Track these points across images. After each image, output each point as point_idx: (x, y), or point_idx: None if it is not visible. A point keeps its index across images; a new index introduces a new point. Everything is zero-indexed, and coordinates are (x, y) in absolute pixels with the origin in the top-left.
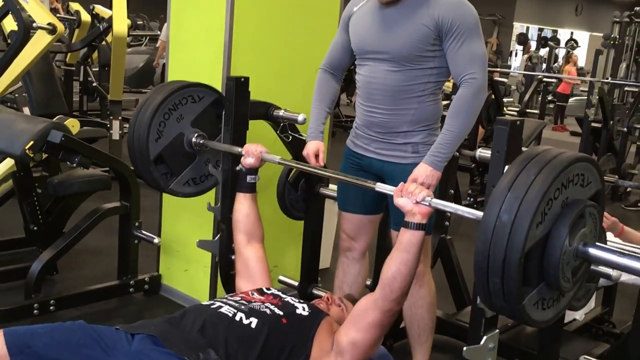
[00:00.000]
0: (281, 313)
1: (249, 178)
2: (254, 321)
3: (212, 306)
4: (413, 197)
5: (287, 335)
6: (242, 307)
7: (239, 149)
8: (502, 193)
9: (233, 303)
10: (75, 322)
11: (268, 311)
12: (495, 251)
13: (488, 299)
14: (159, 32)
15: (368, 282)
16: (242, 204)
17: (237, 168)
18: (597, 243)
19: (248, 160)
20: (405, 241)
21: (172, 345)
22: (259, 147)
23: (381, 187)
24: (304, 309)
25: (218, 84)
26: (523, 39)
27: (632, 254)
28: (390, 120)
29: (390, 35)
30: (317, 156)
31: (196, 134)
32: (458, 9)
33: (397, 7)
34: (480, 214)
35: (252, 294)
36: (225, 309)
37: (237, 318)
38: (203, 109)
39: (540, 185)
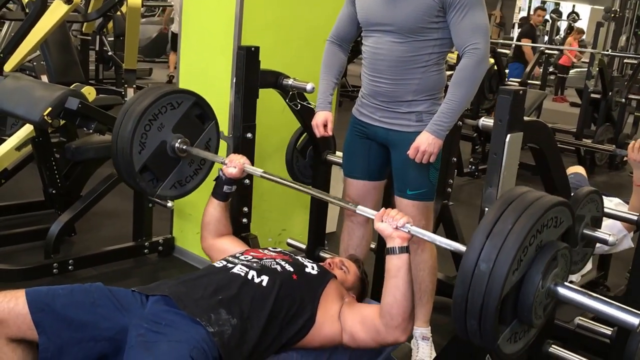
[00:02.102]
0: (292, 269)
1: (225, 187)
2: (265, 279)
3: (224, 267)
4: (394, 222)
5: (296, 291)
6: (254, 264)
7: (222, 159)
8: (480, 241)
9: (245, 262)
10: (94, 284)
11: (279, 267)
12: (474, 296)
13: (465, 336)
14: (172, 3)
15: (372, 246)
16: (215, 210)
17: (217, 175)
18: (566, 283)
19: (230, 170)
20: (393, 267)
21: (185, 306)
22: (242, 159)
23: (362, 210)
24: (313, 268)
25: (229, 54)
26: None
27: (598, 296)
28: (395, 90)
29: (396, 8)
30: (325, 126)
31: (179, 140)
32: None
33: None
34: (459, 247)
35: (264, 251)
36: (237, 269)
37: (250, 277)
38: (183, 113)
39: (517, 234)
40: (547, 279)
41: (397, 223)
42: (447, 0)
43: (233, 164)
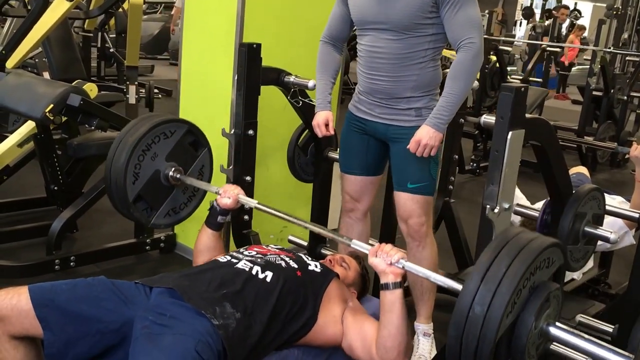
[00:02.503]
0: (295, 266)
1: (219, 218)
2: (269, 275)
3: (228, 262)
4: (388, 258)
5: (300, 288)
6: (258, 260)
7: (217, 189)
8: (475, 284)
9: (249, 257)
10: (96, 277)
11: (283, 264)
12: (468, 339)
13: None
14: (173, 0)
15: (374, 243)
16: (209, 238)
17: (211, 205)
18: (558, 323)
19: (224, 201)
20: (387, 302)
21: (189, 298)
22: (237, 189)
23: (356, 244)
24: (315, 266)
25: (231, 51)
26: (529, 13)
27: (589, 338)
28: (393, 87)
29: (389, 6)
30: (327, 125)
31: (172, 168)
32: None
33: None
34: (456, 285)
35: (268, 247)
36: (241, 264)
37: (254, 272)
38: (176, 142)
39: (511, 279)
40: (540, 320)
41: (391, 259)
42: None
43: (227, 195)
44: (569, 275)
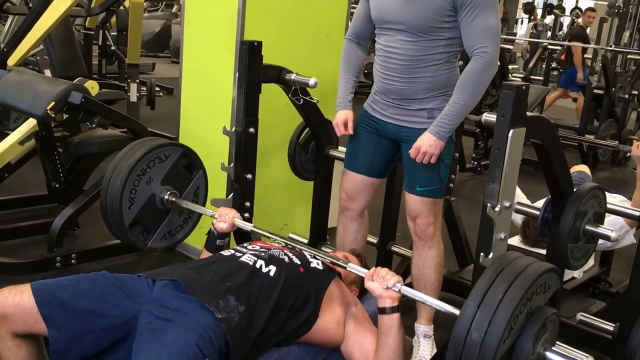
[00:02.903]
0: (298, 262)
1: (218, 242)
2: (272, 269)
3: (232, 255)
4: (384, 282)
5: (302, 284)
6: (262, 254)
7: (212, 212)
8: (472, 310)
9: (253, 251)
10: (99, 272)
11: (286, 259)
12: None
13: None
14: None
15: (375, 241)
16: None
17: (209, 230)
18: (554, 348)
19: (220, 225)
20: (384, 326)
21: (193, 291)
22: (232, 213)
23: (352, 267)
24: (318, 264)
25: (232, 48)
26: (530, 8)
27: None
28: (407, 88)
29: (408, 7)
30: (346, 125)
31: (168, 192)
32: None
33: None
34: (454, 310)
35: (272, 243)
36: (245, 258)
37: (257, 266)
38: (171, 165)
39: (508, 305)
40: (537, 345)
41: (387, 283)
42: (459, 0)
43: (222, 219)
44: (569, 274)
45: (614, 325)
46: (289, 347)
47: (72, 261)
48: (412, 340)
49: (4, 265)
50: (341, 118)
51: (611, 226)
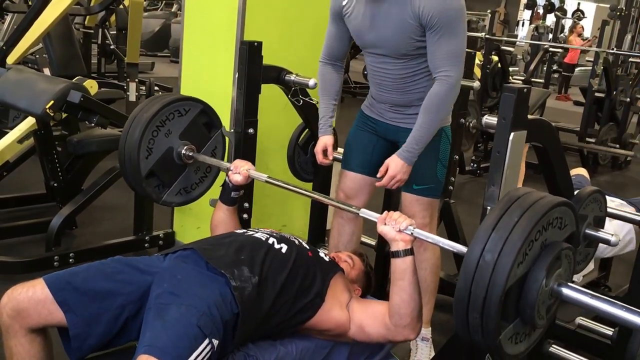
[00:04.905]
0: (307, 247)
1: (233, 193)
2: (284, 247)
3: (245, 232)
4: (397, 225)
5: (310, 266)
6: (274, 234)
7: (228, 165)
8: (486, 233)
9: (265, 231)
10: (109, 258)
11: (296, 242)
12: (477, 288)
13: (466, 332)
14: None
15: (373, 243)
16: (224, 214)
17: (224, 181)
18: (569, 283)
19: (235, 177)
20: (398, 269)
21: (210, 257)
22: (247, 165)
23: (365, 212)
24: (324, 255)
25: (232, 48)
26: (532, 3)
27: (602, 297)
28: (402, 99)
29: (383, 33)
30: (325, 152)
31: (185, 147)
32: (440, 2)
33: (381, 0)
34: (462, 248)
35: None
36: (259, 235)
37: (270, 242)
38: (190, 120)
39: (524, 227)
40: (551, 278)
41: (399, 226)
42: (424, 21)
43: (237, 171)
44: None
45: (613, 330)
46: (287, 347)
47: (70, 260)
48: (409, 343)
49: (1, 264)
50: (320, 146)
51: (620, 230)
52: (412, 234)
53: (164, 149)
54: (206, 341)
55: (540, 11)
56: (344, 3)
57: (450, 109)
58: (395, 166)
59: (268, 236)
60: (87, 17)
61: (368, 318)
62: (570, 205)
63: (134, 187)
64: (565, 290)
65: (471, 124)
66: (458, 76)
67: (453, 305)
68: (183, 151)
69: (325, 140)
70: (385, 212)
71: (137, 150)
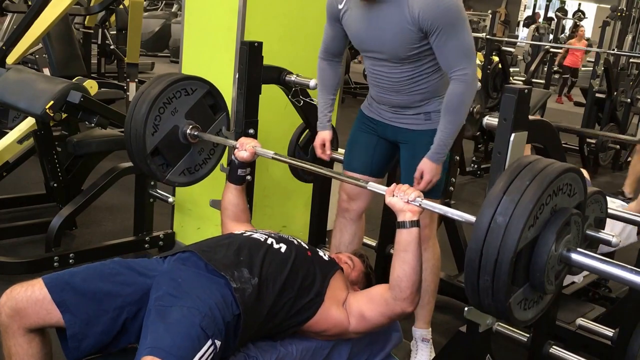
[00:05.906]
0: (306, 247)
1: (240, 171)
2: (283, 246)
3: (243, 233)
4: (405, 196)
5: (310, 266)
6: (272, 234)
7: (234, 142)
8: (497, 196)
9: (263, 231)
10: (109, 259)
11: (295, 241)
12: (488, 250)
13: (476, 296)
14: None
15: (374, 244)
16: (232, 194)
17: (230, 159)
18: (579, 249)
19: (241, 154)
20: (403, 241)
21: (209, 259)
22: (253, 142)
23: (373, 186)
24: (323, 254)
25: (232, 49)
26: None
27: (611, 261)
28: (401, 101)
29: (382, 37)
30: (324, 146)
31: (190, 126)
32: (436, 6)
33: (378, 6)
34: (470, 217)
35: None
36: (257, 235)
37: (269, 242)
38: (196, 101)
39: (535, 190)
40: (560, 243)
41: (408, 197)
42: (424, 26)
43: (244, 148)
44: (569, 279)
45: (613, 331)
46: (288, 348)
47: (70, 261)
48: (409, 344)
49: (1, 265)
50: (319, 141)
51: (627, 233)
52: (420, 205)
53: (169, 126)
54: (209, 342)
55: (541, 12)
56: (340, 6)
57: (470, 106)
58: (430, 170)
59: (266, 236)
60: (87, 17)
61: (366, 303)
62: (579, 172)
63: (138, 164)
64: (574, 256)
65: (475, 109)
66: (473, 71)
67: (464, 268)
68: (188, 130)
69: (323, 135)
70: (394, 184)
71: (144, 126)
